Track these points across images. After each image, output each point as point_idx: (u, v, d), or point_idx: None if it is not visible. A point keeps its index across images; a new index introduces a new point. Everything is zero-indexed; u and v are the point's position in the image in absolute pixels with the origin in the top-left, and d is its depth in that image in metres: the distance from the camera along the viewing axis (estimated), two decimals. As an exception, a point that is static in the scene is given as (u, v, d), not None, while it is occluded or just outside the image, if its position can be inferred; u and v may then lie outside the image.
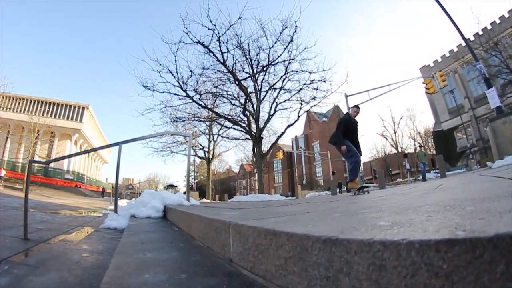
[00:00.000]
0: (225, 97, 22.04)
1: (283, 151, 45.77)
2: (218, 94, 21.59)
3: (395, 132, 61.46)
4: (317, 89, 21.11)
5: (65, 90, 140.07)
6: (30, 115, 47.11)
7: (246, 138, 25.48)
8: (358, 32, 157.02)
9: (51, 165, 48.35)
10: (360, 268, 0.83)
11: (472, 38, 33.19)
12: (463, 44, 22.06)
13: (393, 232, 0.89)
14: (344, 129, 7.62)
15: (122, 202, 20.03)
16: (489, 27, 36.66)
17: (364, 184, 9.41)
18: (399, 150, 60.01)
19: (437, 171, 25.31)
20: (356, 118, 8.04)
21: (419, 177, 24.82)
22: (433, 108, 50.29)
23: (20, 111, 52.32)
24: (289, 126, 22.07)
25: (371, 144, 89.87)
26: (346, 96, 22.46)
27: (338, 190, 26.38)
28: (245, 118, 22.16)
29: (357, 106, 8.16)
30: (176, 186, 57.16)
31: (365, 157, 64.29)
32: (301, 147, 75.18)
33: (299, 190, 31.31)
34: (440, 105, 48.60)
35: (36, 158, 44.75)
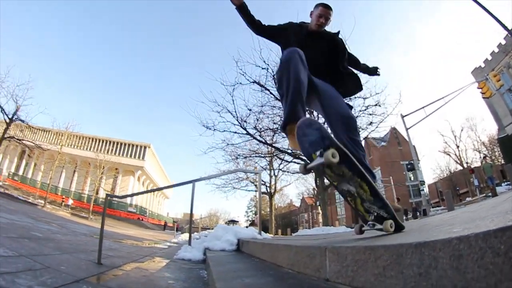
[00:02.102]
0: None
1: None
2: (277, 129, 21.38)
3: (457, 147, 54.07)
4: (372, 114, 20.20)
5: (129, 130, 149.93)
6: (96, 152, 50.22)
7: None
8: (399, 49, 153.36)
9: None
10: (444, 260, 1.03)
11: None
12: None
13: (464, 232, 1.08)
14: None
15: (186, 236, 20.07)
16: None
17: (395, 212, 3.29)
18: (465, 165, 52.76)
19: (508, 183, 22.83)
20: (328, 31, 3.54)
21: (489, 193, 22.13)
22: (494, 112, 44.03)
23: (87, 149, 56.24)
24: None
25: (434, 164, 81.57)
26: (402, 116, 21.36)
27: (404, 218, 24.64)
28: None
29: (323, 5, 3.32)
30: (237, 222, 57.34)
31: (429, 179, 58.74)
32: None
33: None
34: (500, 107, 42.09)
35: (101, 192, 47.75)
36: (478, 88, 22.14)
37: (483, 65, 42.85)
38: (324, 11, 3.24)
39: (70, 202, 44.30)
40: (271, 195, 31.37)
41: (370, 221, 2.48)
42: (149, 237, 16.72)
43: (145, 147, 61.80)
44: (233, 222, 48.79)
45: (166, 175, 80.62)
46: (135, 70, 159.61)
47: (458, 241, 0.99)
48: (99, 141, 59.90)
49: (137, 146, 61.22)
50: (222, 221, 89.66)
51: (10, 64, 44.90)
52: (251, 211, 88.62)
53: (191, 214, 6.96)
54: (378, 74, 3.99)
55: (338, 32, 3.50)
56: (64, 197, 47.24)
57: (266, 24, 3.46)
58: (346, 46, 3.54)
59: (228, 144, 21.52)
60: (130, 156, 60.17)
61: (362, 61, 3.93)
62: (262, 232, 6.93)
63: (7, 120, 25.73)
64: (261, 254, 3.81)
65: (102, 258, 4.66)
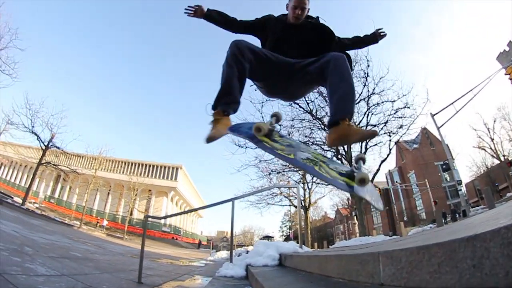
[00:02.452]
0: (317, 145, 21.50)
1: (378, 188, 42.58)
2: (308, 142, 21.17)
3: (492, 140, 49.63)
4: (402, 117, 19.67)
5: (161, 152, 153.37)
6: (130, 175, 51.32)
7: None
8: (419, 45, 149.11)
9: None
10: (495, 249, 1.07)
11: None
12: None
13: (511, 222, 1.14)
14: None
15: (222, 254, 19.94)
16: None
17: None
18: (502, 159, 49.20)
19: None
20: (309, 20, 3.15)
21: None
22: (526, 97, 38.80)
23: (121, 172, 57.60)
24: (382, 161, 20.60)
25: (469, 162, 76.25)
26: (432, 115, 20.64)
27: (443, 221, 23.65)
28: (339, 162, 21.34)
29: None
30: (273, 237, 56.85)
31: (465, 178, 54.62)
32: (396, 181, 68.13)
33: (403, 228, 28.74)
34: (532, 90, 37.14)
35: (135, 213, 48.52)
36: (506, 74, 21.19)
37: (507, 48, 40.68)
38: (298, 2, 2.95)
39: (105, 223, 45.54)
40: (306, 209, 30.90)
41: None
42: (185, 255, 16.67)
43: (177, 168, 62.56)
44: (268, 237, 48.40)
45: (198, 194, 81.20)
46: (166, 92, 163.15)
47: (506, 230, 1.06)
48: (132, 164, 61.31)
49: (169, 167, 62.07)
50: (256, 237, 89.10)
51: (44, 95, 47.28)
52: (285, 226, 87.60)
53: (232, 232, 6.86)
54: (380, 38, 3.40)
55: (318, 18, 3.18)
56: (99, 218, 48.60)
57: (243, 20, 3.19)
58: (333, 31, 3.17)
59: (260, 160, 21.48)
60: (163, 177, 61.03)
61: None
62: (303, 246, 6.87)
63: (43, 147, 26.56)
64: (307, 267, 3.74)
65: (142, 277, 4.66)
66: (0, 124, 27.94)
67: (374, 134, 2.91)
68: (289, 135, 20.10)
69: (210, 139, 2.56)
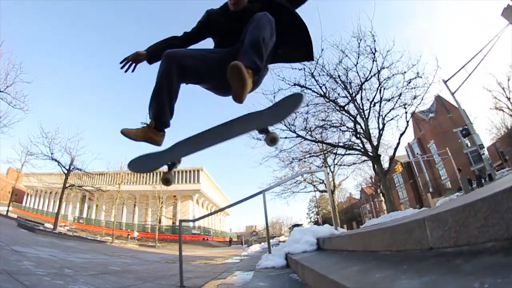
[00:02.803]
0: (334, 127, 21.38)
1: (400, 163, 41.93)
2: (325, 126, 21.05)
3: (508, 99, 47.43)
4: (415, 87, 19.35)
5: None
6: (153, 185, 51.85)
7: (364, 161, 24.32)
8: (423, 12, 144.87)
9: (178, 222, 52.41)
10: None
11: None
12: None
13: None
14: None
15: (254, 247, 20.03)
16: None
17: None
18: None
19: None
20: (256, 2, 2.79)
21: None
22: (535, 49, 36.20)
23: (144, 183, 58.47)
24: (401, 134, 20.32)
25: (488, 124, 72.91)
26: (445, 82, 20.25)
27: (470, 187, 23.23)
28: (358, 141, 21.14)
29: None
30: (301, 225, 56.88)
31: (486, 141, 51.89)
32: (417, 153, 66.80)
33: (430, 199, 28.35)
34: (542, 43, 34.38)
35: (163, 220, 49.14)
36: (514, 30, 20.60)
37: (511, 3, 38.84)
38: None
39: (136, 234, 46.10)
40: (331, 192, 30.85)
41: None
42: (219, 254, 16.79)
43: (198, 171, 63.01)
44: (296, 226, 48.44)
45: (222, 193, 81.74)
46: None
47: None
48: (154, 174, 61.65)
49: (190, 171, 62.52)
50: (285, 227, 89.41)
51: (57, 120, 48.26)
52: (312, 212, 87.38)
53: (267, 224, 6.85)
54: None
55: None
56: (129, 230, 49.23)
57: (186, 32, 2.85)
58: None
59: (280, 151, 21.45)
60: (186, 182, 61.51)
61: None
62: (338, 227, 6.80)
63: (65, 172, 27.07)
64: (349, 246, 3.69)
65: (183, 281, 4.68)
66: (20, 157, 28.72)
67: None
68: (305, 121, 20.05)
69: (125, 132, 2.43)
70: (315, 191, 31.06)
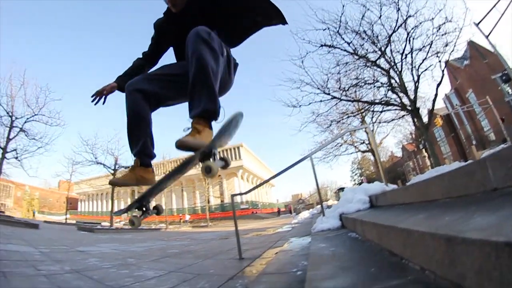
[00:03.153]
0: (367, 84, 20.79)
1: (440, 116, 40.12)
2: (359, 84, 20.52)
3: None
4: (445, 33, 18.29)
5: None
6: (197, 168, 53.00)
7: (402, 116, 23.62)
8: None
9: (226, 200, 56.59)
10: None
11: None
12: None
13: None
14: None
15: (304, 215, 20.16)
16: None
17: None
18: None
19: None
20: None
21: None
22: None
23: None
24: (438, 85, 19.37)
25: None
26: (476, 24, 18.99)
27: None
28: (394, 96, 20.48)
29: None
30: (346, 187, 56.52)
31: None
32: (456, 105, 62.87)
33: (475, 152, 27.15)
34: None
35: (212, 199, 50.44)
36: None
37: None
38: None
39: (188, 217, 47.87)
40: (373, 152, 30.25)
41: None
42: (269, 225, 16.99)
43: (238, 147, 63.44)
44: (342, 189, 48.18)
45: (265, 165, 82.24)
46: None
47: None
48: (197, 158, 63.13)
49: (230, 149, 62.96)
50: (330, 192, 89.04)
51: (96, 127, 50.61)
52: (355, 174, 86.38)
53: (318, 187, 6.76)
54: None
55: None
56: (181, 215, 50.96)
57: (147, 50, 2.68)
58: None
59: (318, 115, 21.15)
60: (228, 160, 62.30)
61: None
62: (389, 184, 6.72)
63: (112, 172, 28.32)
64: (405, 199, 3.60)
65: (242, 253, 4.78)
66: (67, 168, 31.11)
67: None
68: (338, 82, 19.67)
69: (114, 183, 2.38)
70: (356, 152, 30.62)
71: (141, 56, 2.65)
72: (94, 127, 59.38)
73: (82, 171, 34.47)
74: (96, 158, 27.97)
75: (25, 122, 19.40)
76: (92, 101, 2.49)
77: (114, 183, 2.28)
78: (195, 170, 41.61)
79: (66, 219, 39.99)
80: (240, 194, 5.78)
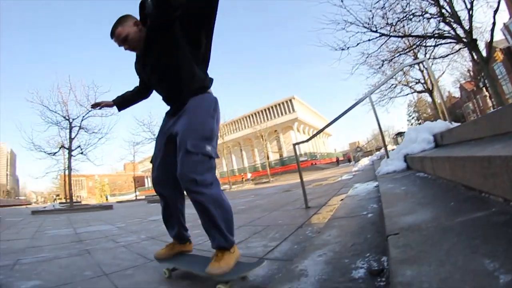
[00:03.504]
0: (415, 16, 19.32)
1: (500, 49, 36.53)
2: (407, 17, 19.12)
3: None
4: None
5: (271, 92, 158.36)
6: (253, 126, 53.79)
7: (458, 50, 21.84)
8: None
9: (285, 154, 57.27)
10: None
11: None
12: None
13: None
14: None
15: (364, 161, 19.90)
16: None
17: None
18: None
19: None
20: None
21: None
22: None
23: (243, 128, 61.33)
24: (495, 12, 17.30)
25: None
26: None
27: None
28: (447, 27, 18.93)
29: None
30: (404, 132, 54.53)
31: None
32: None
33: None
34: None
35: (271, 155, 51.08)
36: None
37: None
38: (115, 39, 2.25)
39: (249, 175, 48.97)
40: (430, 91, 28.57)
41: None
42: (330, 175, 16.98)
43: (290, 100, 62.72)
44: (400, 134, 46.65)
45: (320, 115, 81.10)
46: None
47: None
48: (251, 116, 63.54)
49: (283, 103, 62.45)
50: (388, 138, 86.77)
51: (148, 107, 53.49)
52: (412, 117, 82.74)
53: (380, 128, 6.30)
54: None
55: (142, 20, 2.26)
56: (242, 174, 52.27)
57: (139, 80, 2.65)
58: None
59: (368, 56, 20.20)
60: (282, 114, 61.70)
61: None
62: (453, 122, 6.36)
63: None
64: (474, 134, 3.34)
65: (307, 202, 4.85)
66: (129, 151, 33.66)
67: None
68: (384, 17, 18.59)
69: (158, 257, 2.43)
70: (412, 93, 29.08)
71: (137, 86, 2.71)
72: (147, 107, 62.20)
73: (143, 149, 36.59)
74: (154, 135, 28.87)
75: (82, 120, 20.46)
76: (91, 107, 2.75)
77: (159, 257, 2.42)
78: (251, 129, 42.40)
79: (136, 196, 42.66)
80: (302, 142, 5.68)
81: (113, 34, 2.23)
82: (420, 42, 20.54)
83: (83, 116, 20.52)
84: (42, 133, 37.87)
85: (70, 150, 19.41)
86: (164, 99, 2.35)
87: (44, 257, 3.37)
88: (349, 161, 47.10)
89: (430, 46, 21.04)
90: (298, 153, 5.54)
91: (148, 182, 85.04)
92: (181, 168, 1.97)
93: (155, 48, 2.14)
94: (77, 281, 2.31)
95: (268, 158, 47.16)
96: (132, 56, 2.48)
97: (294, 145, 5.39)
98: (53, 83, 25.76)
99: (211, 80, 2.31)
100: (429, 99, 31.95)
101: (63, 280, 2.35)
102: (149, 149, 43.67)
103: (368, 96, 6.04)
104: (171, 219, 2.44)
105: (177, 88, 2.17)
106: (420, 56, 24.41)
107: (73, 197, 22.83)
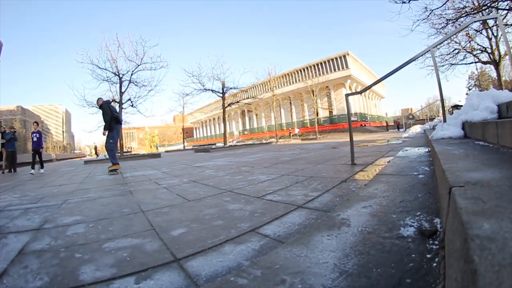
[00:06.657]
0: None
1: None
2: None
3: None
4: None
5: (324, 48, 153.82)
6: (304, 81, 52.66)
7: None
8: None
9: (335, 112, 55.53)
10: None
11: None
12: None
13: None
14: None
15: (415, 129, 19.13)
16: None
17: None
18: None
19: None
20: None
21: None
22: None
23: (294, 82, 60.17)
24: None
25: None
26: None
27: None
28: None
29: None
30: (461, 106, 51.45)
31: None
32: None
33: None
34: None
35: (320, 112, 50.27)
36: None
37: None
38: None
39: (297, 130, 48.99)
40: (496, 63, 25.12)
41: None
42: (379, 138, 16.49)
43: (344, 56, 60.22)
44: (456, 107, 44.06)
45: (374, 74, 77.90)
46: None
47: None
48: (302, 71, 61.71)
49: (336, 58, 59.98)
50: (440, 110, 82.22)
51: (198, 57, 54.33)
52: (471, 91, 77.44)
53: (440, 86, 5.53)
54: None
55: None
56: (290, 129, 52.20)
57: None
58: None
59: (431, 12, 18.54)
60: (334, 70, 59.45)
61: None
62: None
63: (221, 95, 29.40)
64: None
65: (354, 160, 4.79)
66: (178, 102, 33.12)
67: None
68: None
69: None
70: (476, 62, 26.38)
71: None
72: (196, 58, 63.60)
73: (192, 101, 37.53)
74: (203, 85, 29.12)
75: (132, 74, 21.15)
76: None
77: None
78: (302, 83, 41.72)
79: (184, 146, 43.88)
80: (355, 93, 5.29)
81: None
82: (491, 4, 18.52)
83: (133, 71, 21.28)
84: (94, 90, 40.53)
85: (120, 103, 20.31)
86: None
87: (89, 197, 3.71)
88: (398, 128, 45.40)
89: (504, 9, 18.95)
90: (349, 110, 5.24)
91: (197, 133, 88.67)
92: None
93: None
94: (114, 217, 2.52)
95: (317, 115, 46.54)
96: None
97: (347, 95, 5.08)
98: (101, 42, 26.85)
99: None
100: (494, 74, 29.27)
101: (102, 216, 2.59)
102: (198, 100, 44.68)
103: (430, 49, 5.28)
104: None
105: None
106: (490, 22, 22.09)
107: (124, 148, 24.21)
